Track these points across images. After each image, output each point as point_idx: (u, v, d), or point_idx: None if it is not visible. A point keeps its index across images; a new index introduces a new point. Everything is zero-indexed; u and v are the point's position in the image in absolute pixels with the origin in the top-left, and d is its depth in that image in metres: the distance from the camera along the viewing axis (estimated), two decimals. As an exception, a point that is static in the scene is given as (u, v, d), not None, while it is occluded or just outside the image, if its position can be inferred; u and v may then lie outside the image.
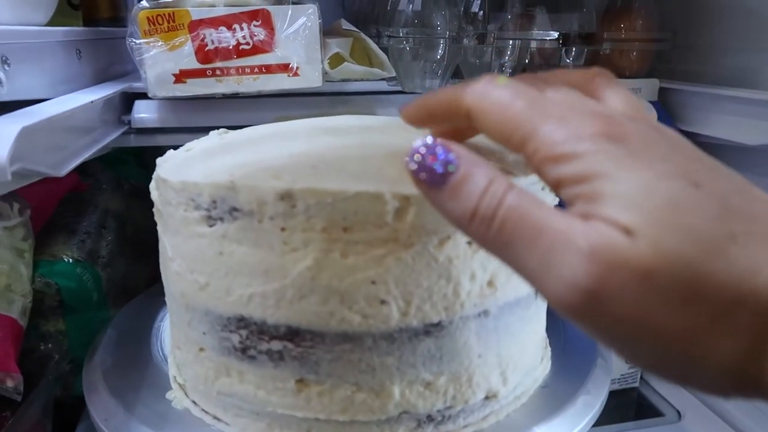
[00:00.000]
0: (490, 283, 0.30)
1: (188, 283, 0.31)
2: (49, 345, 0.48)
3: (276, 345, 0.29)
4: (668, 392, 0.56)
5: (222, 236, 0.29)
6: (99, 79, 0.53)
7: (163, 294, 0.48)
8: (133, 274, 0.57)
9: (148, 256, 0.62)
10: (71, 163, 0.35)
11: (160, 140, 0.51)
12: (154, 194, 0.34)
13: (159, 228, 0.35)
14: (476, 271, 0.30)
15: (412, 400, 0.30)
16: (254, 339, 0.30)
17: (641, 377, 0.57)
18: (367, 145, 0.33)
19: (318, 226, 0.27)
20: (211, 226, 0.30)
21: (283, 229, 0.28)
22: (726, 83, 0.49)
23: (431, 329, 0.29)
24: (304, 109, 0.52)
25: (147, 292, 0.50)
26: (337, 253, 0.28)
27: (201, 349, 0.32)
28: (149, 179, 0.67)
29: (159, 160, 0.35)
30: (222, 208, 0.29)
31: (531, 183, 0.31)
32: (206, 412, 0.33)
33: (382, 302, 0.28)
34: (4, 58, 0.34)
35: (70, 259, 0.47)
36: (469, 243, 0.29)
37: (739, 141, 0.44)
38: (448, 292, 0.29)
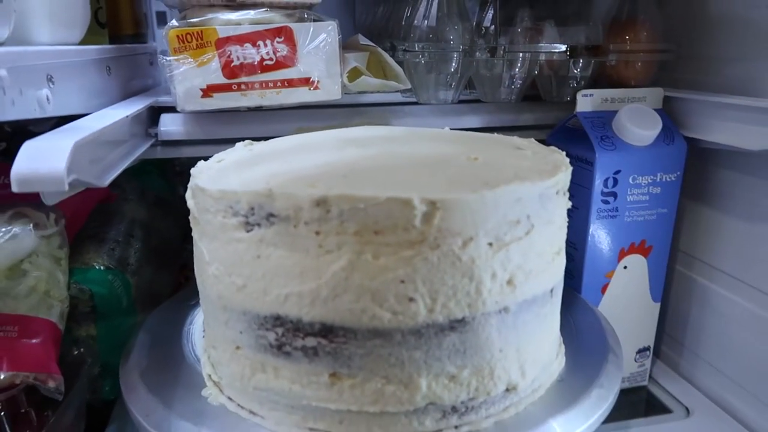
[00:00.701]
0: (509, 282, 0.32)
1: (226, 286, 0.33)
2: (82, 349, 0.50)
3: (310, 341, 0.31)
4: (677, 390, 0.57)
5: (259, 240, 0.31)
6: (125, 93, 0.56)
7: (188, 299, 0.50)
8: (158, 281, 0.59)
9: (171, 264, 0.65)
10: (111, 174, 0.38)
11: (185, 152, 0.54)
12: (191, 203, 0.36)
13: (195, 235, 0.37)
14: (497, 270, 0.32)
15: (438, 392, 0.32)
16: (290, 336, 0.32)
17: (650, 376, 0.59)
18: (391, 155, 0.35)
19: (351, 230, 0.30)
20: (248, 231, 0.32)
21: (317, 233, 0.30)
22: (728, 91, 0.51)
23: (456, 325, 0.31)
24: (323, 120, 0.54)
25: (173, 299, 0.52)
26: (369, 254, 0.30)
27: (237, 348, 0.34)
28: (171, 190, 0.69)
29: (194, 171, 0.37)
30: (259, 214, 0.31)
31: (547, 187, 0.33)
32: (242, 407, 0.35)
33: (411, 300, 0.30)
34: (49, 76, 0.37)
35: (102, 267, 0.50)
36: (490, 244, 0.31)
37: (741, 146, 0.46)
38: (471, 290, 0.31)
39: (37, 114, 0.35)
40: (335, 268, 0.30)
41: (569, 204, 0.37)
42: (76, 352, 0.50)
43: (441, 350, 0.31)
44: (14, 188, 0.28)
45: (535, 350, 0.35)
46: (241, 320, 0.33)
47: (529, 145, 0.41)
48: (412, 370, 0.31)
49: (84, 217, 0.51)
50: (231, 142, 0.52)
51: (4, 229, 0.43)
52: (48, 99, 0.36)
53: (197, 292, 0.49)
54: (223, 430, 0.34)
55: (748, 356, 0.52)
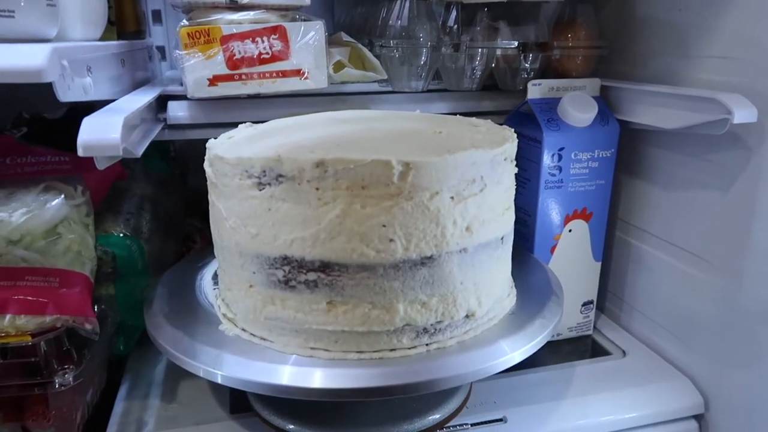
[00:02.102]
0: (467, 228, 0.41)
1: (242, 235, 0.42)
2: (103, 307, 0.57)
3: (312, 276, 0.40)
4: (616, 337, 0.67)
5: (270, 197, 0.40)
6: (135, 83, 0.63)
7: (195, 262, 0.58)
8: (166, 249, 0.67)
9: (176, 235, 0.72)
10: (143, 145, 0.45)
11: (190, 134, 0.61)
12: (209, 170, 0.44)
13: (212, 197, 0.45)
14: (457, 218, 0.40)
15: (412, 315, 0.41)
16: (295, 272, 0.40)
17: (594, 327, 0.69)
18: (373, 130, 0.44)
19: (343, 186, 0.38)
20: (261, 189, 0.40)
21: (317, 189, 0.38)
22: (653, 81, 0.60)
23: (426, 261, 0.40)
24: (311, 107, 0.62)
25: (181, 262, 0.60)
26: (358, 205, 0.38)
27: (251, 286, 0.43)
28: (171, 171, 0.76)
29: (209, 145, 0.45)
30: (270, 175, 0.39)
31: (496, 154, 0.42)
32: (254, 336, 0.44)
33: (390, 240, 0.39)
34: (88, 67, 0.44)
35: (120, 234, 0.57)
36: (452, 198, 0.40)
37: (662, 126, 0.55)
38: (438, 233, 0.40)
39: (82, 98, 0.42)
40: (331, 216, 0.38)
41: (515, 170, 0.46)
42: (97, 310, 0.57)
43: (414, 281, 0.40)
44: (80, 153, 0.36)
45: (489, 285, 0.44)
46: (254, 262, 0.42)
47: (484, 123, 0.50)
48: (392, 297, 0.40)
49: (105, 191, 0.58)
50: (231, 125, 0.60)
51: (42, 198, 0.50)
52: (90, 86, 0.43)
53: (202, 257, 0.58)
54: (241, 351, 0.42)
55: (674, 305, 0.62)
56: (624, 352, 0.65)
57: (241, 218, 0.42)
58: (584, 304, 0.66)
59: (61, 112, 0.68)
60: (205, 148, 0.45)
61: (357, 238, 0.39)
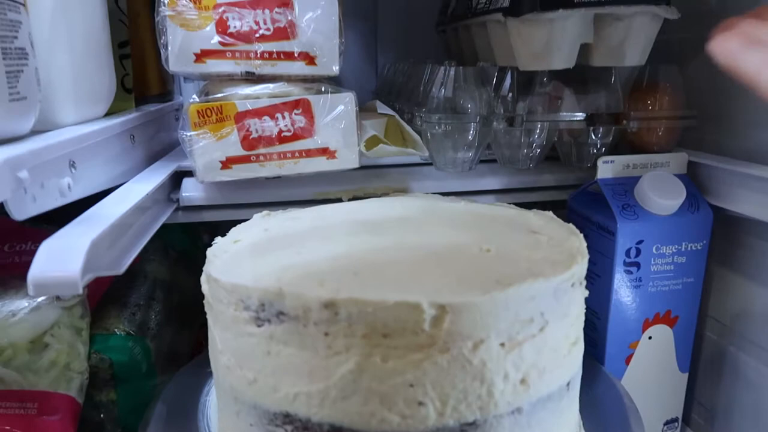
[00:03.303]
0: (522, 381, 0.32)
1: (237, 378, 0.33)
2: (101, 414, 0.51)
3: (319, 441, 0.31)
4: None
5: (269, 337, 0.31)
6: (149, 157, 0.57)
7: (206, 366, 0.50)
8: (179, 340, 0.60)
9: (191, 323, 0.65)
10: (129, 257, 0.38)
11: (205, 216, 0.54)
12: (205, 287, 0.37)
13: (209, 319, 0.37)
14: (509, 371, 0.31)
15: (449, 495, 0.31)
16: (299, 434, 0.32)
17: (679, 446, 0.57)
18: (404, 246, 0.35)
19: (359, 333, 0.29)
20: (259, 326, 0.32)
21: (326, 334, 0.30)
22: (755, 157, 0.49)
23: (466, 428, 0.31)
24: (341, 184, 0.54)
25: (192, 364, 0.52)
26: (378, 357, 0.29)
27: (248, 439, 0.34)
28: (194, 246, 0.70)
29: (209, 254, 0.38)
30: (270, 311, 0.31)
31: (562, 281, 0.33)
32: (252, 498, 0.35)
33: (420, 404, 0.30)
34: (71, 162, 0.38)
35: (122, 333, 0.50)
36: (502, 344, 0.31)
37: (766, 219, 0.44)
38: (483, 392, 0.30)
39: (58, 203, 0.36)
40: (343, 370, 0.30)
41: (586, 293, 0.36)
42: (96, 417, 0.50)
43: (452, 453, 0.31)
44: (30, 292, 0.29)
45: (551, 446, 0.34)
46: (251, 414, 0.33)
47: (545, 225, 0.40)
48: (422, 473, 0.31)
49: (107, 283, 0.52)
50: (250, 206, 0.53)
51: (27, 302, 0.44)
52: (69, 186, 0.36)
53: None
54: None
55: (782, 432, 0.50)
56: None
57: (236, 357, 0.33)
58: (667, 423, 0.55)
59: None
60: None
61: (376, 399, 0.30)
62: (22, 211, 0.31)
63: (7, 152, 0.30)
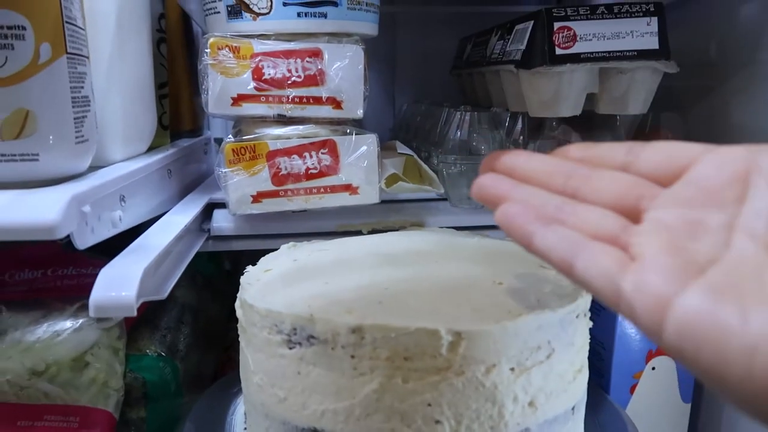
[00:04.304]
0: (530, 404, 0.35)
1: (268, 396, 0.37)
2: (133, 429, 0.54)
3: (344, 455, 0.34)
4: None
5: (300, 358, 0.35)
6: (182, 188, 0.61)
7: (231, 386, 0.53)
8: (205, 362, 0.63)
9: (216, 346, 0.69)
10: (170, 283, 0.42)
11: (234, 245, 0.58)
12: (239, 312, 0.40)
13: (242, 342, 0.40)
14: (518, 394, 0.34)
15: None
16: (325, 449, 0.35)
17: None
18: (423, 278, 0.39)
19: (383, 356, 0.33)
20: (290, 348, 0.35)
21: (353, 357, 0.33)
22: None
23: (479, 446, 0.33)
24: (362, 218, 0.58)
25: (217, 385, 0.55)
26: (399, 378, 0.33)
27: (277, 454, 0.37)
28: (219, 273, 0.73)
29: (243, 281, 0.41)
30: (301, 335, 0.34)
31: (567, 313, 0.36)
32: None
33: (437, 422, 0.33)
34: (122, 196, 0.42)
35: (154, 354, 0.54)
36: (512, 369, 0.34)
37: None
38: (494, 413, 0.33)
39: (110, 233, 0.39)
40: (368, 390, 0.33)
41: (590, 323, 0.39)
42: (127, 433, 0.54)
43: (465, 469, 0.34)
44: (92, 314, 0.32)
45: (557, 467, 0.37)
46: (280, 429, 0.36)
47: (553, 261, 0.43)
48: (437, 487, 0.34)
49: (143, 308, 0.55)
50: (277, 237, 0.56)
51: (71, 323, 0.48)
52: (120, 218, 0.40)
53: (239, 379, 0.53)
54: None
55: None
56: None
57: (268, 376, 0.37)
58: (671, 452, 0.57)
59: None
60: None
61: (397, 417, 0.33)
62: (83, 241, 0.34)
63: (74, 189, 0.34)
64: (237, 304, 0.41)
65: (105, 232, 0.38)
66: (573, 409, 0.38)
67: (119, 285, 0.33)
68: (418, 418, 0.33)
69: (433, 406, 0.33)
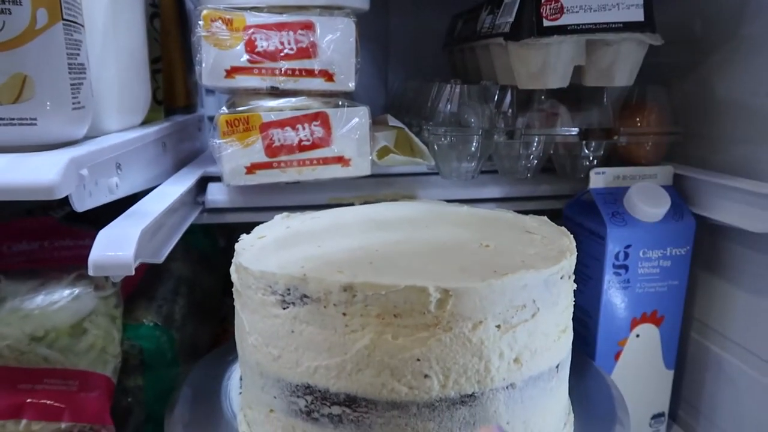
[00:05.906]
0: (516, 360, 0.36)
1: (263, 355, 0.38)
2: (129, 399, 0.55)
3: (336, 410, 0.35)
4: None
5: (293, 317, 0.36)
6: (177, 163, 0.61)
7: (226, 355, 0.54)
8: (199, 334, 0.64)
9: (211, 318, 0.70)
10: (166, 248, 0.43)
11: (228, 218, 0.59)
12: (234, 276, 0.41)
13: (237, 305, 0.41)
14: (504, 350, 0.35)
15: (450, 460, 0.35)
16: (318, 404, 0.36)
17: (666, 441, 0.60)
18: (413, 240, 0.40)
19: (373, 313, 0.34)
20: (284, 308, 0.36)
21: (344, 314, 0.34)
22: (735, 170, 0.54)
23: (466, 399, 0.35)
24: (354, 191, 0.59)
25: (212, 354, 0.57)
26: (389, 335, 0.34)
27: (271, 411, 0.38)
28: (213, 245, 0.74)
29: (237, 247, 0.42)
30: (294, 294, 0.36)
31: (551, 274, 0.37)
32: (274, 465, 0.39)
33: (426, 376, 0.34)
34: (117, 164, 0.43)
35: (151, 323, 0.55)
36: (498, 326, 0.35)
37: (746, 228, 0.49)
38: (480, 368, 0.35)
39: (107, 199, 0.40)
40: (359, 345, 0.34)
41: (574, 286, 0.41)
42: (124, 402, 0.55)
43: (452, 422, 0.35)
44: (91, 272, 0.33)
45: (541, 422, 0.38)
46: (275, 386, 0.38)
47: (539, 227, 0.45)
48: (426, 439, 0.35)
49: (138, 278, 0.56)
50: (270, 210, 0.57)
51: (68, 291, 0.49)
52: (117, 185, 0.41)
53: (234, 348, 0.54)
54: (257, 485, 0.38)
55: (761, 428, 0.53)
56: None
57: (263, 336, 0.38)
58: (654, 417, 0.58)
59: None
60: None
61: (387, 371, 0.34)
62: (82, 203, 0.35)
63: (72, 153, 0.35)
64: (232, 269, 0.42)
65: (102, 197, 0.39)
66: (557, 367, 0.39)
67: (117, 245, 0.34)
68: (407, 373, 0.34)
69: (422, 361, 0.34)
